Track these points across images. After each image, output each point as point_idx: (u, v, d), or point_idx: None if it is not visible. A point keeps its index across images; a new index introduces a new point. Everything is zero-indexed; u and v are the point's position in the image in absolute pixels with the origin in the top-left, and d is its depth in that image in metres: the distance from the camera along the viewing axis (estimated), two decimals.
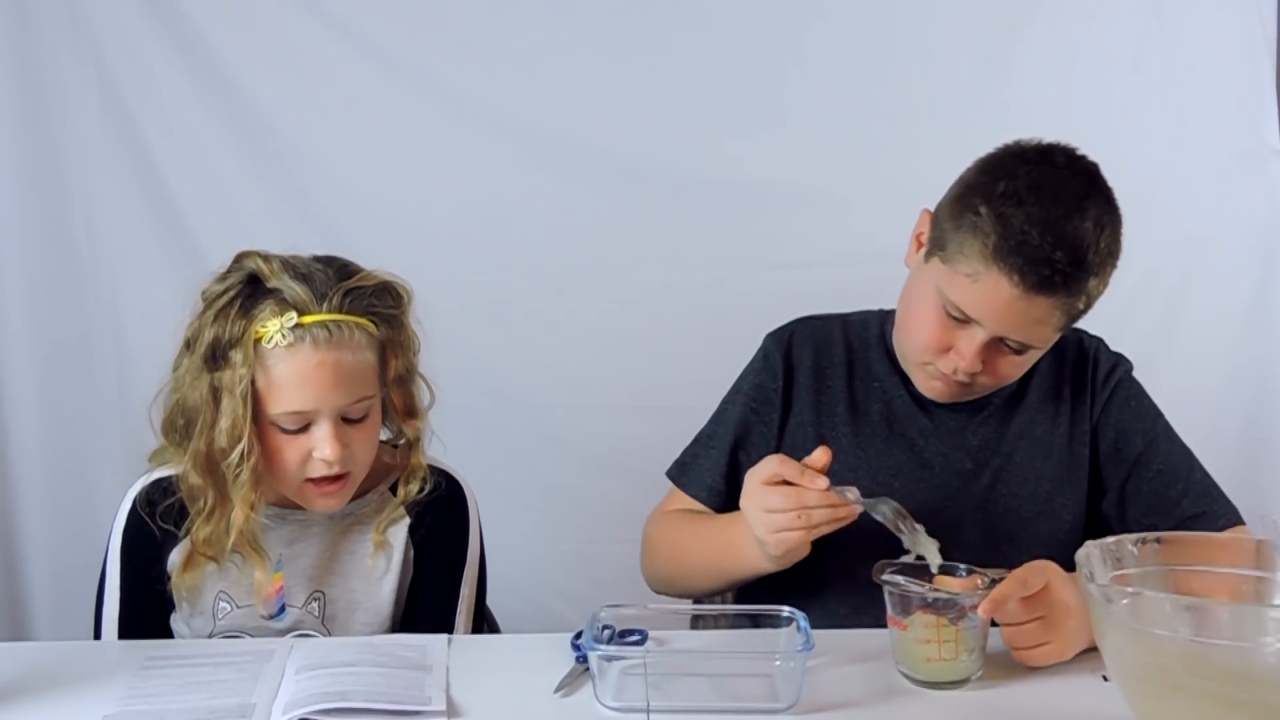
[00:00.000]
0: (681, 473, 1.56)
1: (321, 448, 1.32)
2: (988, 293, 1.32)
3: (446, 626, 1.42)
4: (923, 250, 1.42)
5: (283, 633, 1.40)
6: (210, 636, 1.40)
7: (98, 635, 1.41)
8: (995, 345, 1.37)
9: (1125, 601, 1.03)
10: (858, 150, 2.21)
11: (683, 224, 2.23)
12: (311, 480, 1.35)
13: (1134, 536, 1.12)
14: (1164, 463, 1.46)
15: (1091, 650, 1.19)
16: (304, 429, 1.33)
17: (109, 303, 2.26)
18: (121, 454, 2.21)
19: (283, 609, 1.40)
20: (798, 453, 1.42)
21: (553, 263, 2.24)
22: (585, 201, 2.23)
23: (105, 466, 2.25)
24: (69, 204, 2.23)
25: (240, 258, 1.36)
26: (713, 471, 1.53)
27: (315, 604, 1.41)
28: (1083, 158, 1.37)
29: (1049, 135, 2.10)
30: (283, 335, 1.30)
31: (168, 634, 1.41)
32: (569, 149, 2.22)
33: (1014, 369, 1.41)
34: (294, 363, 1.30)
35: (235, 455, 1.30)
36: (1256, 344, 2.23)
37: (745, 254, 2.23)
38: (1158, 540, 1.13)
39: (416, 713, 1.13)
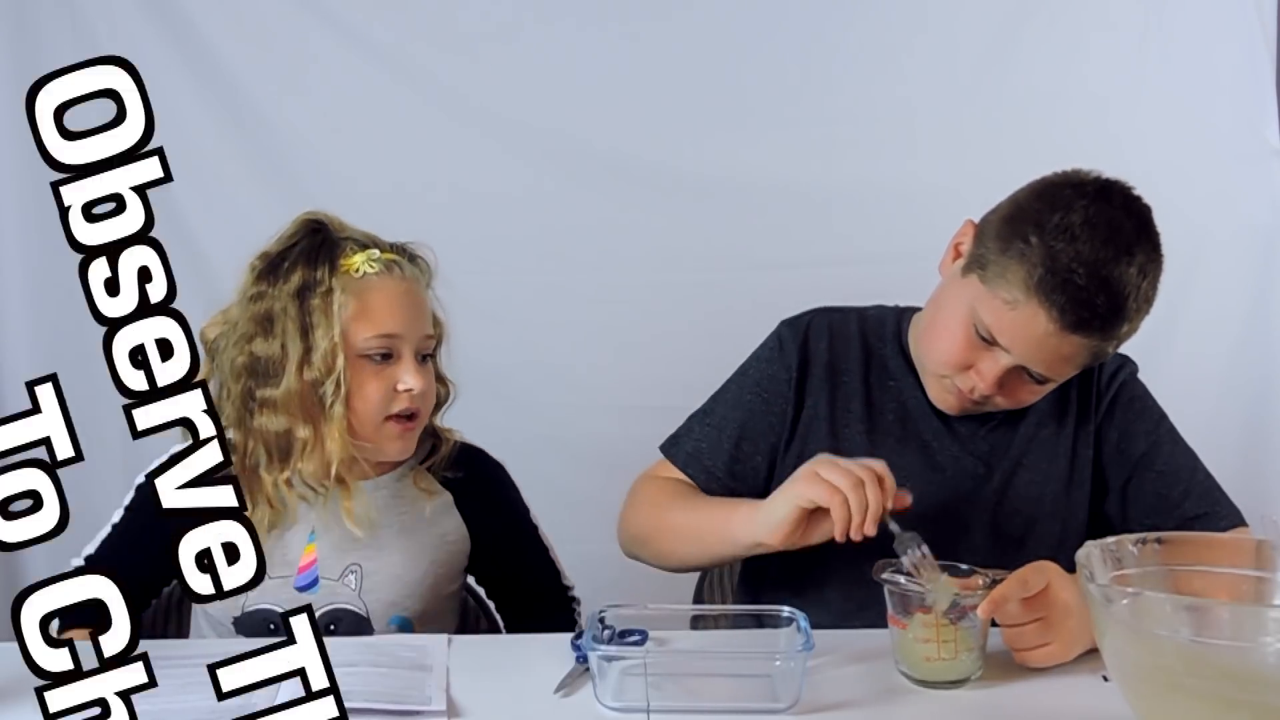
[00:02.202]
0: (672, 444, 1.56)
1: (406, 379, 1.39)
2: (1023, 323, 1.31)
3: (553, 569, 1.54)
4: (960, 262, 1.40)
5: (317, 607, 1.40)
6: (242, 608, 1.41)
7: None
8: (1017, 372, 1.36)
9: (1125, 601, 1.03)
10: (857, 150, 2.22)
11: (682, 224, 2.23)
12: (391, 417, 1.39)
13: (1134, 536, 1.12)
14: (1166, 463, 1.46)
15: (1091, 650, 1.19)
16: (387, 361, 1.39)
17: None
18: (122, 454, 2.21)
19: (315, 581, 1.41)
20: (811, 448, 1.43)
21: (552, 262, 2.25)
22: (585, 201, 2.23)
23: (105, 467, 2.25)
24: None
25: (296, 220, 1.44)
26: (711, 454, 1.51)
27: (352, 576, 1.42)
28: (1138, 199, 1.35)
29: (1048, 135, 2.10)
30: (371, 265, 1.39)
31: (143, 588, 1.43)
32: (569, 149, 2.23)
33: (1030, 396, 1.41)
34: (385, 288, 1.39)
35: (331, 384, 1.35)
36: (1256, 344, 2.24)
37: (744, 254, 2.23)
38: (1158, 540, 1.13)
39: (416, 713, 1.13)
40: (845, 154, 2.22)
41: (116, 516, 1.48)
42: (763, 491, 1.43)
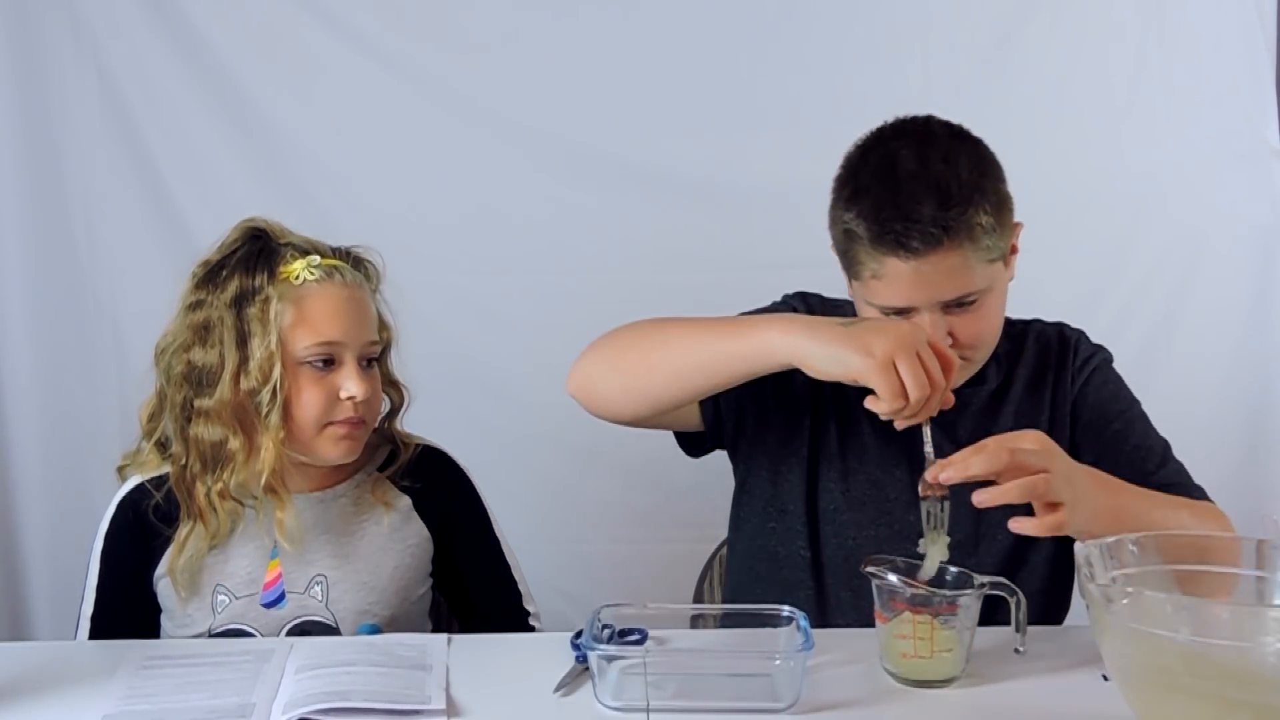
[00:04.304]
0: None
1: (349, 386, 1.37)
2: (895, 279, 1.34)
3: (508, 579, 1.52)
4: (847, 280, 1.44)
5: (286, 620, 1.41)
6: (210, 630, 1.40)
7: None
8: (946, 312, 1.36)
9: (1125, 601, 1.03)
10: None
11: (682, 224, 2.23)
12: (333, 422, 1.37)
13: (1133, 536, 1.12)
14: (1140, 441, 1.46)
15: (1091, 650, 1.19)
16: (329, 368, 1.37)
17: (109, 303, 2.26)
18: (120, 454, 2.21)
19: (282, 596, 1.41)
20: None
21: (552, 262, 2.24)
22: (584, 201, 2.23)
23: (105, 467, 2.23)
24: (69, 204, 2.23)
25: (238, 226, 1.43)
26: None
27: (318, 587, 1.42)
28: (909, 120, 1.40)
29: (1049, 135, 2.09)
30: (310, 272, 1.37)
31: (142, 637, 1.41)
32: (569, 149, 2.22)
33: (984, 323, 1.40)
34: (326, 296, 1.38)
35: (267, 392, 1.34)
36: (1256, 344, 2.23)
37: (745, 254, 2.23)
38: (1158, 540, 1.13)
39: (416, 712, 1.13)
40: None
41: (89, 606, 1.43)
42: (720, 430, 1.51)
